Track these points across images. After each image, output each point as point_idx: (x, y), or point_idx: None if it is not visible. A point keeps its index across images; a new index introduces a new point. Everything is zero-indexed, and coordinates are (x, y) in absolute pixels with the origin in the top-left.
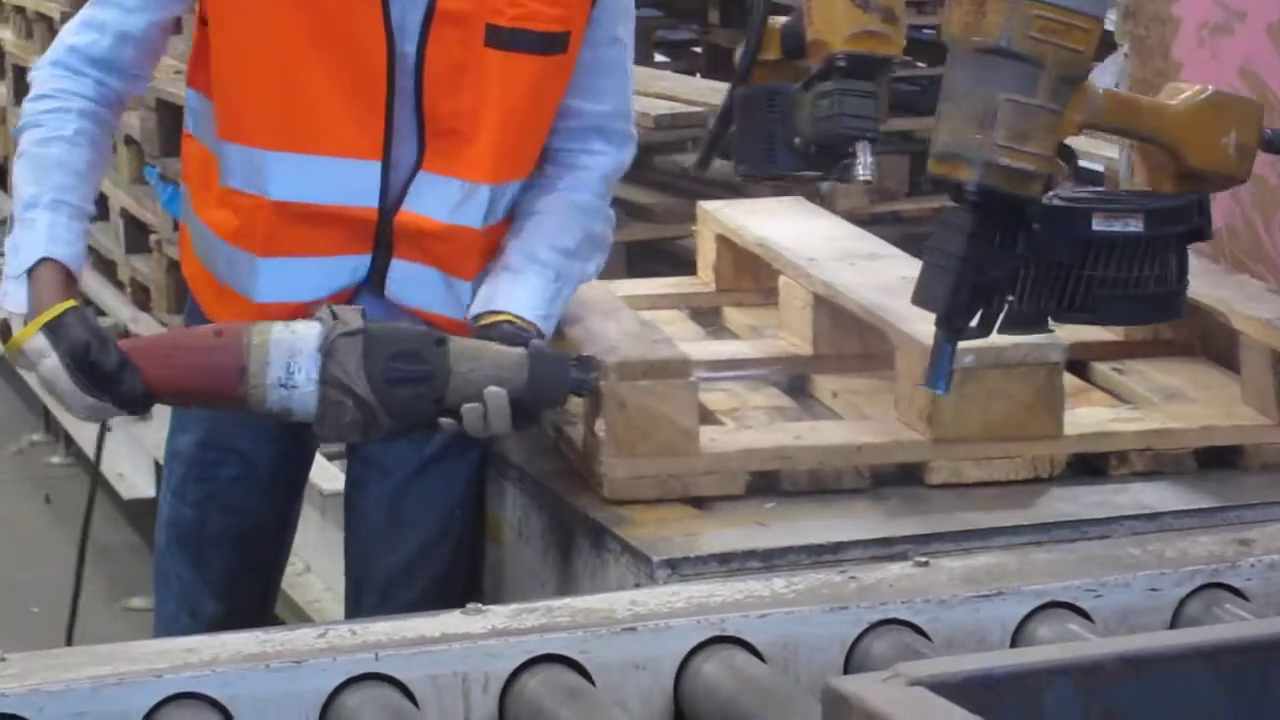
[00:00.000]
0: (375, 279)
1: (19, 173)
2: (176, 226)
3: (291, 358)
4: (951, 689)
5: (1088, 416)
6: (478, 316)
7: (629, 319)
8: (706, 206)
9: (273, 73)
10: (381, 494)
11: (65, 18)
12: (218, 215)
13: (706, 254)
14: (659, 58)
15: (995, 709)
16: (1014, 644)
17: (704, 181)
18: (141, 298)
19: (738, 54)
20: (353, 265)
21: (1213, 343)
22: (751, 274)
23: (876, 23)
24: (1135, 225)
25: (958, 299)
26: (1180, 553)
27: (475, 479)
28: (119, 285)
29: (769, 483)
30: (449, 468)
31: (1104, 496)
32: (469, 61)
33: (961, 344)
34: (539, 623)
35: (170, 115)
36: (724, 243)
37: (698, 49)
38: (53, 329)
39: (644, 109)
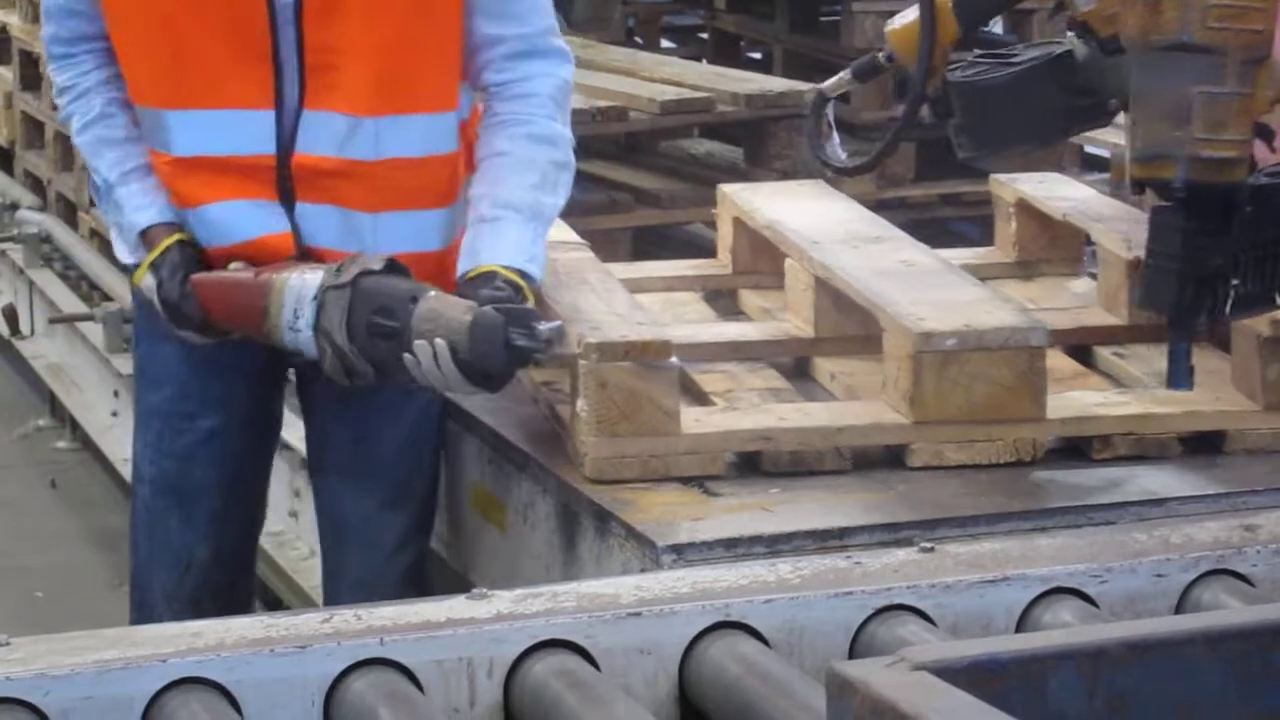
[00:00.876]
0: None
1: (88, 167)
2: None
3: (298, 304)
4: (956, 674)
5: (1074, 400)
6: (466, 273)
7: (621, 299)
8: (725, 189)
9: (157, 34)
10: (344, 444)
11: None
12: None
13: (725, 236)
14: (665, 43)
15: (1000, 694)
16: (1019, 629)
17: (709, 166)
18: None
19: (900, 45)
20: (269, 210)
21: (1218, 327)
22: (769, 256)
23: None
24: None
25: (1184, 297)
26: (1186, 538)
27: (438, 421)
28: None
29: (752, 464)
30: (407, 415)
31: (1110, 482)
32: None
33: (944, 327)
34: (544, 607)
35: None
36: (740, 225)
37: (704, 34)
38: (154, 267)
39: (650, 94)
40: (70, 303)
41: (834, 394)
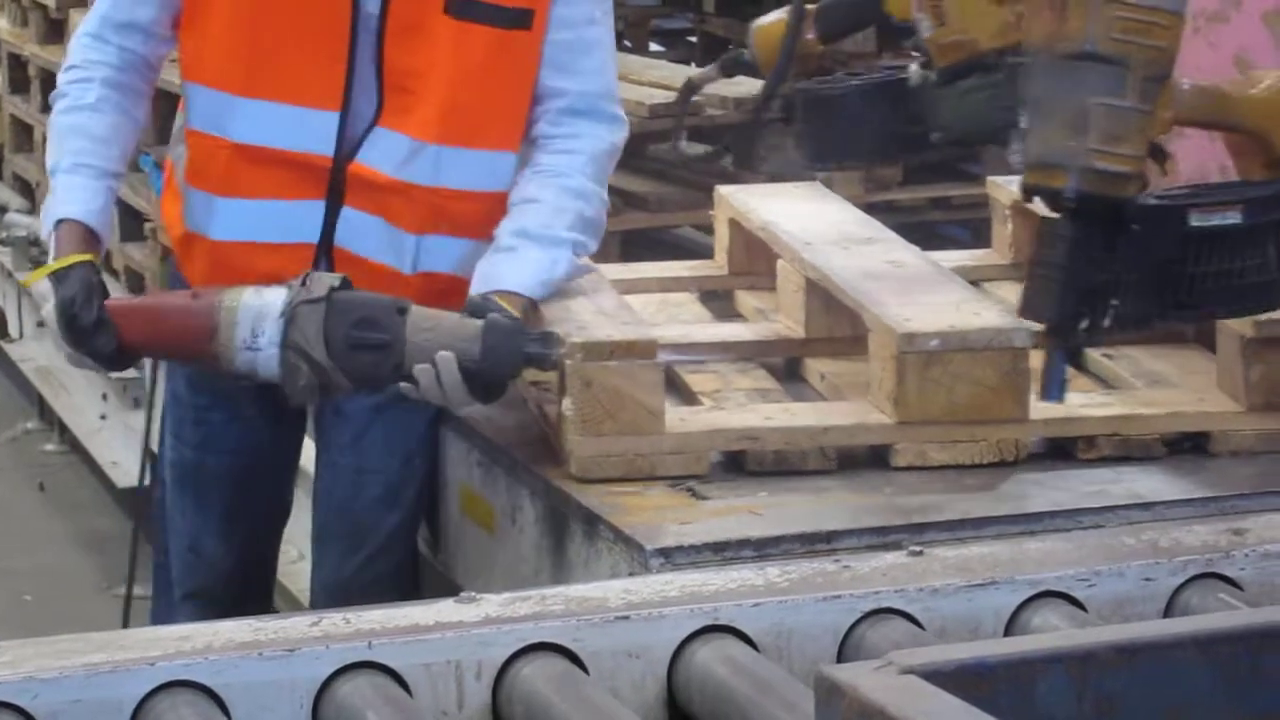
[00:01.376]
0: (329, 230)
1: (48, 142)
2: None
3: (257, 322)
4: (944, 678)
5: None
6: (472, 297)
7: (608, 299)
8: (722, 190)
9: (242, 21)
10: (343, 440)
11: (60, 5)
12: (186, 156)
13: (721, 237)
14: (654, 46)
15: (988, 697)
16: (1008, 633)
17: (697, 170)
18: (136, 285)
19: (762, 44)
20: (307, 210)
21: (1206, 329)
22: (764, 257)
23: (1014, 15)
24: (1234, 217)
25: (1066, 308)
26: (1174, 542)
27: (432, 423)
28: (114, 273)
29: (737, 463)
30: (405, 413)
31: (1099, 486)
32: (426, 25)
33: (928, 328)
34: (532, 611)
35: (167, 103)
36: (736, 226)
37: (693, 38)
38: (58, 278)
39: (639, 97)
40: None
41: (823, 394)
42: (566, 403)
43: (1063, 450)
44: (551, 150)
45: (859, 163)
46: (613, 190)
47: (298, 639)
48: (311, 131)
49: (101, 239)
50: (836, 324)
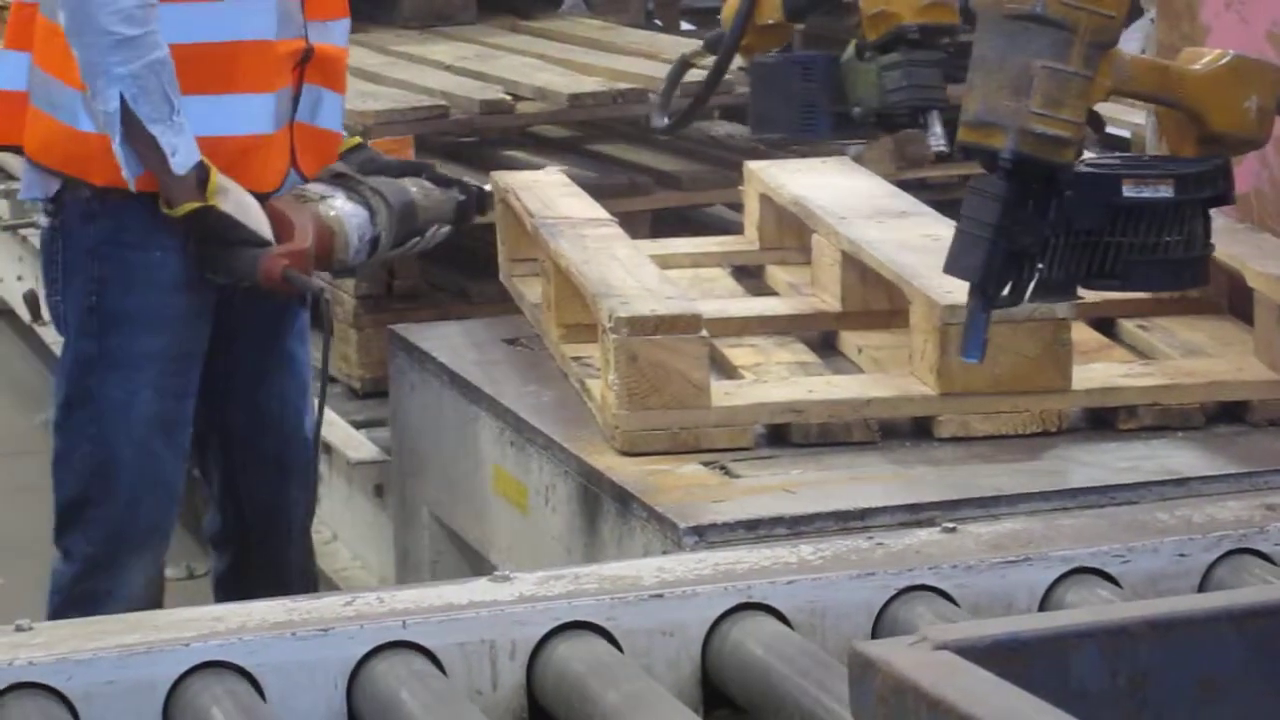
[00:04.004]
0: None
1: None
2: None
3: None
4: (979, 653)
5: (1098, 372)
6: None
7: (650, 274)
8: (752, 166)
9: None
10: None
11: None
12: None
13: (751, 213)
14: (685, 25)
15: (1022, 673)
16: (1042, 609)
17: (729, 148)
18: None
19: (726, 20)
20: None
21: (1240, 300)
22: (795, 233)
23: None
24: (1165, 191)
25: (991, 268)
26: (1208, 518)
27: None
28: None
29: (779, 436)
30: None
31: (1132, 462)
32: None
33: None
34: (566, 589)
35: None
36: (766, 202)
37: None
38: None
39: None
40: None
41: (861, 367)
42: (611, 377)
43: (1103, 421)
44: None
45: (790, 136)
46: (644, 169)
47: (332, 619)
48: None
49: None
50: (873, 297)
